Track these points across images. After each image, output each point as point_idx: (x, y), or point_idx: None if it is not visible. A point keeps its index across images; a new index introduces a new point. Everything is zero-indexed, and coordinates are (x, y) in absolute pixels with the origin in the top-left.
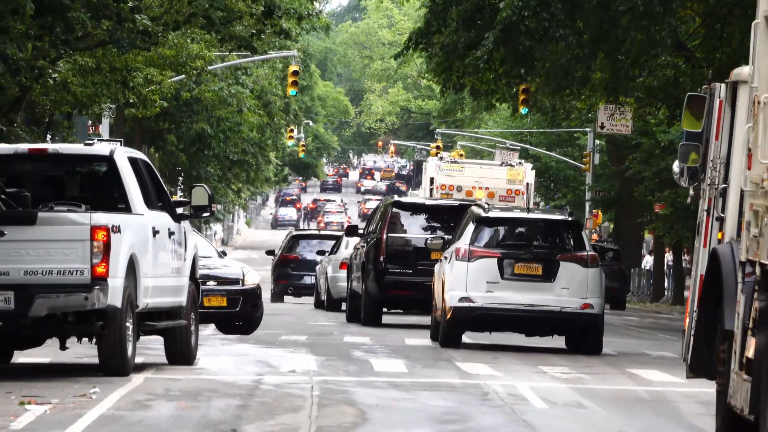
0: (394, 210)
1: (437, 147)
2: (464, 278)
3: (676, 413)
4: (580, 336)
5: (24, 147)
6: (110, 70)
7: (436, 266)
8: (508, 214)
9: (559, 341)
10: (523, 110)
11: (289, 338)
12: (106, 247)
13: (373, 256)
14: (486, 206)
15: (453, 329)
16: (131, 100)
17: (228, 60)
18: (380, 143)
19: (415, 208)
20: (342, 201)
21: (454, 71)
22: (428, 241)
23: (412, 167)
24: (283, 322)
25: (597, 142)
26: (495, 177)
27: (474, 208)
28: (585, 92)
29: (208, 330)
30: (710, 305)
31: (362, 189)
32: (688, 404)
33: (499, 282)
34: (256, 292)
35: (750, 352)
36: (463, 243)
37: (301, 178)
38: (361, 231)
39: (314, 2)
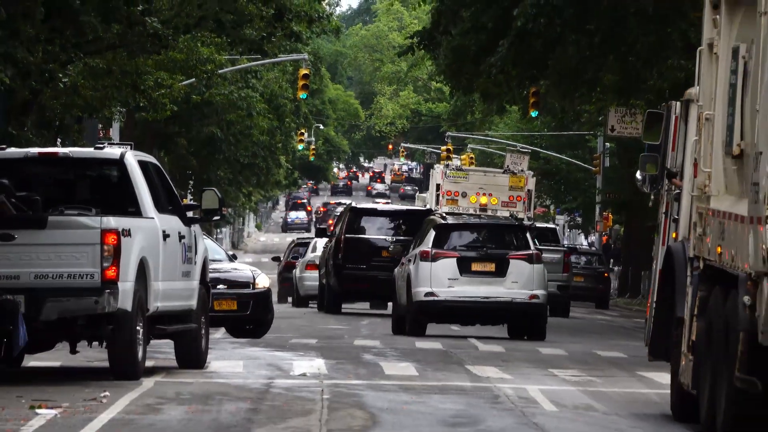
0: (351, 214)
1: (447, 150)
2: (429, 276)
3: None
4: (528, 323)
5: (34, 151)
6: (120, 74)
7: (396, 268)
8: (463, 221)
9: (571, 343)
10: (533, 113)
11: (300, 341)
12: (117, 250)
13: (333, 254)
14: (444, 215)
15: (420, 320)
16: (141, 104)
17: (238, 63)
18: (390, 146)
19: (369, 213)
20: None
21: (464, 74)
22: (390, 248)
23: (422, 170)
24: (293, 325)
25: (607, 144)
26: (498, 183)
27: (433, 217)
28: (595, 95)
29: (219, 333)
30: (666, 296)
31: (373, 192)
32: None
33: (459, 278)
34: (266, 295)
35: (694, 336)
36: (426, 246)
37: (312, 181)
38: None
39: (324, 4)
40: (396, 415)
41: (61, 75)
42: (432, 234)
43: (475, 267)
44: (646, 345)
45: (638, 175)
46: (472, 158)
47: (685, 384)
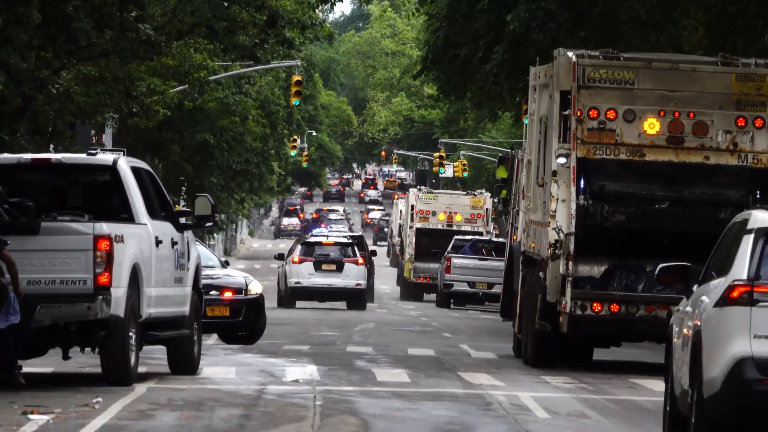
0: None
1: (440, 156)
2: (297, 272)
3: None
4: (356, 300)
5: (27, 157)
6: (113, 80)
7: (279, 266)
8: (318, 240)
9: None
10: (525, 120)
11: (292, 348)
12: (109, 256)
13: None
14: (309, 236)
15: (291, 299)
16: (134, 110)
17: (231, 70)
18: (383, 153)
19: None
20: (345, 210)
21: (463, 85)
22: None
23: (414, 177)
24: (285, 331)
25: None
26: (461, 204)
27: (303, 237)
28: None
29: (211, 340)
30: (510, 277)
31: (366, 199)
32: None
33: (314, 273)
34: (259, 301)
35: (520, 300)
36: (296, 254)
37: (305, 187)
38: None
39: (317, 11)
40: (388, 422)
41: (54, 81)
42: (299, 247)
43: (324, 267)
44: (500, 311)
45: (495, 199)
46: (464, 165)
47: (517, 333)
